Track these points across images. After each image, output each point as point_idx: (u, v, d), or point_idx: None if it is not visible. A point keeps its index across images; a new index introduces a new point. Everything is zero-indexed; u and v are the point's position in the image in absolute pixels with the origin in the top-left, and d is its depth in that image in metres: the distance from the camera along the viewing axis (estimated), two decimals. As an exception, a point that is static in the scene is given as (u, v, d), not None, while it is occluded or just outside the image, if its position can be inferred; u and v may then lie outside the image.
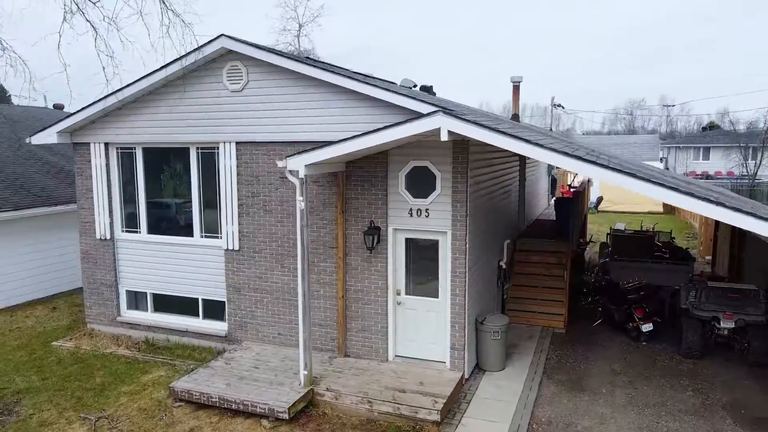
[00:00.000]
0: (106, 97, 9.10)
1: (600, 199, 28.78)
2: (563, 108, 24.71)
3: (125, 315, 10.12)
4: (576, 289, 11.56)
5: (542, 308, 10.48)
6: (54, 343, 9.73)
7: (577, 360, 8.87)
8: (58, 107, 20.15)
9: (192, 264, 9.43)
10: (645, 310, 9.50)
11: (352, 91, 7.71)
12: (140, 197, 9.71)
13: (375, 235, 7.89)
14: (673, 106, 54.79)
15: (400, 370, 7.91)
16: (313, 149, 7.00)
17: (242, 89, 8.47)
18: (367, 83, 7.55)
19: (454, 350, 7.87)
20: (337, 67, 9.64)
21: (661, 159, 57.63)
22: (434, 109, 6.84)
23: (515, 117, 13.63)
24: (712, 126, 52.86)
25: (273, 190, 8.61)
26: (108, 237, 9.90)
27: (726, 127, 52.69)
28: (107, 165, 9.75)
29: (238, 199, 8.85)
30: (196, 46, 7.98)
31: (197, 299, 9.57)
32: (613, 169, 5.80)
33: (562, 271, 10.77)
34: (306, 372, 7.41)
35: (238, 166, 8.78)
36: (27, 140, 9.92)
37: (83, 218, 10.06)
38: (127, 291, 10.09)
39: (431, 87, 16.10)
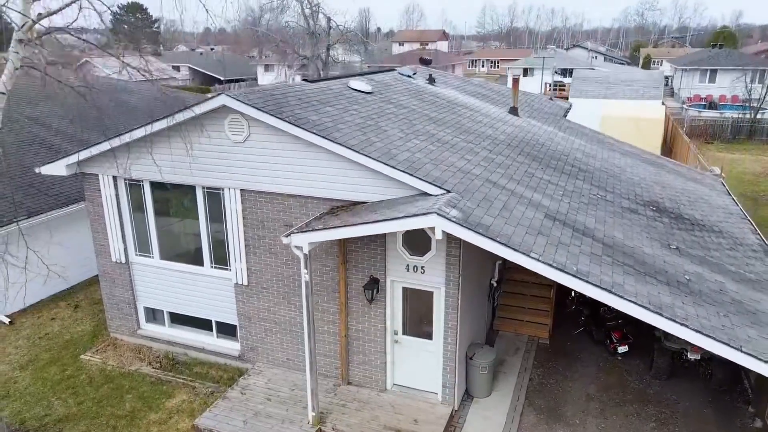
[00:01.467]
0: (111, 138, 9.34)
1: (599, 143, 28.86)
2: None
3: (144, 328, 10.98)
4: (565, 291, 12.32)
5: (529, 317, 11.31)
6: (83, 356, 10.67)
7: (557, 381, 9.83)
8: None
9: (203, 290, 10.13)
10: (622, 332, 10.34)
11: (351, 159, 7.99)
12: (150, 226, 10.20)
13: (374, 289, 8.52)
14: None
15: (397, 402, 8.87)
16: (316, 229, 7.44)
17: (244, 141, 8.70)
18: (367, 156, 7.79)
19: (446, 387, 8.78)
20: (334, 135, 9.73)
21: (666, 81, 56.44)
22: (433, 195, 7.19)
23: (514, 110, 13.68)
24: (721, 44, 51.28)
25: (278, 234, 9.10)
26: (123, 261, 10.52)
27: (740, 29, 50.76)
28: (116, 195, 10.15)
29: (245, 240, 9.37)
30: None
31: (210, 320, 10.39)
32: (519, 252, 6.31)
33: (549, 282, 11.46)
34: (314, 413, 8.37)
35: (243, 210, 9.21)
36: (37, 170, 10.22)
37: (98, 241, 10.61)
38: (145, 307, 10.89)
39: (430, 61, 15.97)
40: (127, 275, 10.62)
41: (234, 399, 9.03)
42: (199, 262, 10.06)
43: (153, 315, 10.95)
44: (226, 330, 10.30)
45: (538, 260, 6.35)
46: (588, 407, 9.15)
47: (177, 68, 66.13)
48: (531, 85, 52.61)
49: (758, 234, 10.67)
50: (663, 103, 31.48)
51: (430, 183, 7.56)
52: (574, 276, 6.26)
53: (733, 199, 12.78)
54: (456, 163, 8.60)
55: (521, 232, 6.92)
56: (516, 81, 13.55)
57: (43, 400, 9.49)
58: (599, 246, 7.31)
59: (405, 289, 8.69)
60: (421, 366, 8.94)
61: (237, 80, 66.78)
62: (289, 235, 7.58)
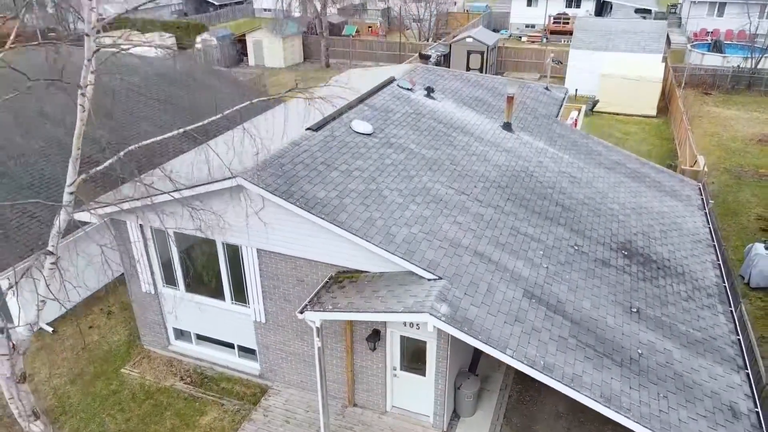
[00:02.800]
0: (136, 198, 10.31)
1: (596, 102, 29.22)
2: (561, 63, 23.98)
3: (174, 344, 12.53)
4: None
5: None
6: (123, 370, 12.29)
7: (532, 398, 11.49)
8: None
9: (225, 320, 11.55)
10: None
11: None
12: (176, 264, 11.42)
13: (375, 340, 9.91)
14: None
15: (396, 426, 10.57)
16: (327, 310, 8.70)
17: (260, 211, 9.72)
18: (370, 242, 8.87)
19: (437, 414, 10.43)
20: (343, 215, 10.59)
21: (674, 8, 54.65)
22: (427, 279, 8.39)
23: (508, 125, 14.40)
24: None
25: (292, 287, 10.35)
26: (153, 291, 11.85)
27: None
28: (144, 238, 11.28)
29: (262, 287, 10.64)
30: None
31: (233, 343, 11.90)
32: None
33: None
34: (326, 441, 10.08)
35: (260, 265, 10.40)
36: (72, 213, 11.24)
37: (129, 272, 11.88)
38: (174, 328, 12.37)
39: (429, 56, 16.40)
40: (156, 303, 12.00)
41: (258, 421, 10.72)
42: (220, 296, 11.39)
43: (181, 333, 12.46)
44: (247, 352, 11.84)
45: (512, 357, 7.68)
46: (556, 425, 10.86)
47: (168, -9, 63.69)
48: (535, 14, 51.29)
49: (720, 264, 11.90)
50: (664, 58, 31.39)
51: (424, 269, 8.72)
52: (540, 372, 7.62)
53: (705, 215, 13.82)
54: (448, 232, 9.68)
55: (501, 322, 8.19)
56: (510, 99, 14.14)
57: (96, 417, 11.20)
58: (567, 326, 8.60)
59: (403, 337, 10.09)
60: (415, 393, 10.53)
61: (235, 3, 64.71)
62: (303, 311, 8.86)
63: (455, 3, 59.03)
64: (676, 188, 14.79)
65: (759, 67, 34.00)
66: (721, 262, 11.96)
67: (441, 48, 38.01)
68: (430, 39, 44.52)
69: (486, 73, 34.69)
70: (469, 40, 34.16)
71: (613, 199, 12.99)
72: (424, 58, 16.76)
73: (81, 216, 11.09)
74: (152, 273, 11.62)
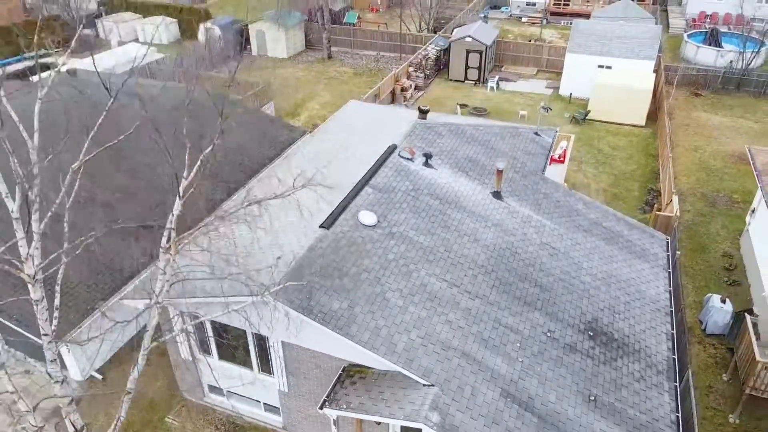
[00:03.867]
0: (178, 298, 12.23)
1: (587, 112, 30.49)
2: (550, 110, 25.01)
3: (209, 396, 14.76)
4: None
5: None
6: (167, 419, 14.56)
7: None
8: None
9: (252, 384, 13.70)
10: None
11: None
12: (210, 339, 13.47)
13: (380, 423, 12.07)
14: None
15: (397, 477, 12.89)
16: (342, 409, 10.80)
17: (285, 315, 11.66)
18: (376, 353, 10.85)
19: (430, 469, 12.72)
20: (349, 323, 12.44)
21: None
22: (422, 384, 10.45)
23: (497, 194, 16.10)
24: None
25: (311, 369, 12.43)
26: (190, 358, 13.95)
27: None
28: (183, 322, 13.26)
29: (285, 367, 12.71)
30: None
31: (260, 400, 14.11)
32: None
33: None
34: (340, 493, 12.42)
35: (283, 351, 12.44)
36: (122, 300, 13.19)
37: (170, 341, 13.93)
38: (208, 384, 14.55)
39: (428, 110, 18.05)
40: (194, 366, 14.13)
41: (284, 473, 13.06)
42: (249, 366, 13.50)
43: (214, 388, 14.66)
44: (272, 408, 14.07)
45: None
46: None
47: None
48: (536, -7, 51.12)
49: (672, 336, 13.92)
50: (656, 64, 32.36)
51: (419, 376, 10.76)
52: None
53: (668, 275, 15.71)
54: (441, 333, 11.66)
55: (481, 425, 10.31)
56: (499, 172, 15.80)
57: (151, 466, 13.55)
58: (534, 422, 10.73)
59: (403, 427, 12.25)
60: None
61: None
62: (322, 407, 10.98)
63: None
64: (645, 246, 16.63)
65: (751, 66, 34.90)
66: (674, 332, 13.99)
67: (441, 41, 38.75)
68: (431, 25, 44.87)
69: (485, 70, 35.70)
70: (468, 39, 34.95)
71: (587, 270, 14.89)
72: (423, 113, 18.28)
73: (129, 302, 13.09)
74: (189, 344, 13.68)
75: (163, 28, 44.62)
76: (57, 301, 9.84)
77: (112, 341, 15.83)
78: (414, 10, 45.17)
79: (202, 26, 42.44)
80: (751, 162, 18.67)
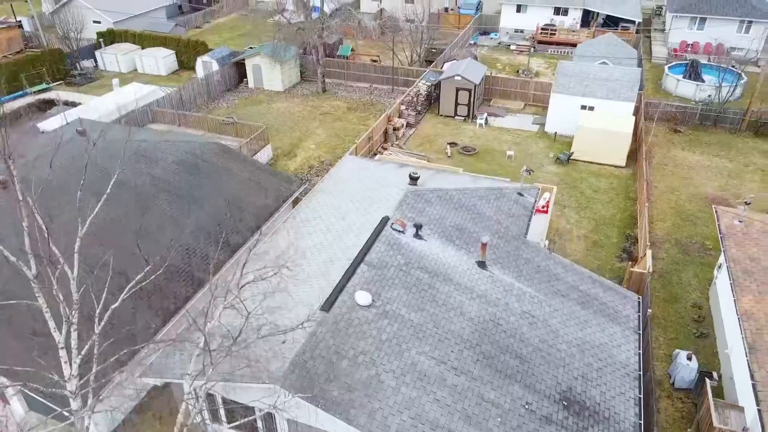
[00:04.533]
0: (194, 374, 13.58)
1: (570, 154, 32.01)
2: (532, 172, 26.44)
3: (219, 457, 16.13)
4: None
5: None
6: (180, 479, 15.88)
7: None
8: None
9: (261, 449, 15.08)
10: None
11: None
12: (221, 411, 14.83)
13: (376, 486, 13.47)
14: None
15: None
16: (341, 487, 12.20)
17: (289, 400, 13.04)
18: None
19: None
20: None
21: (660, 11, 56.01)
22: (411, 472, 11.85)
23: (482, 264, 17.55)
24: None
25: (313, 442, 13.83)
26: (203, 426, 15.30)
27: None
28: (197, 396, 14.61)
29: (290, 438, 14.10)
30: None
31: (266, 463, 15.48)
32: None
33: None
34: None
35: (288, 425, 13.82)
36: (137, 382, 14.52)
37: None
38: (219, 447, 15.92)
39: (418, 177, 19.43)
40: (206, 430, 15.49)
41: None
42: (256, 434, 14.89)
43: (224, 449, 16.03)
44: (277, 469, 15.44)
45: None
46: None
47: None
48: (523, 19, 52.75)
49: (640, 400, 15.39)
50: (637, 104, 33.90)
51: (411, 457, 12.17)
52: None
53: (638, 337, 17.18)
54: (429, 412, 13.08)
55: (464, 502, 11.74)
56: (483, 245, 17.24)
57: None
58: (512, 497, 12.17)
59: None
60: None
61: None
62: (325, 484, 12.37)
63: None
64: (618, 308, 18.11)
65: (730, 98, 36.52)
66: (641, 396, 15.47)
67: (432, 77, 40.22)
68: (422, 57, 46.29)
69: (474, 107, 37.17)
70: (457, 78, 36.42)
71: (563, 338, 16.35)
72: (413, 179, 19.73)
73: (148, 380, 14.44)
74: (202, 415, 15.03)
75: (161, 60, 45.81)
76: (90, 401, 11.19)
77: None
78: (405, 39, 46.54)
79: (199, 60, 43.69)
80: (716, 222, 20.19)
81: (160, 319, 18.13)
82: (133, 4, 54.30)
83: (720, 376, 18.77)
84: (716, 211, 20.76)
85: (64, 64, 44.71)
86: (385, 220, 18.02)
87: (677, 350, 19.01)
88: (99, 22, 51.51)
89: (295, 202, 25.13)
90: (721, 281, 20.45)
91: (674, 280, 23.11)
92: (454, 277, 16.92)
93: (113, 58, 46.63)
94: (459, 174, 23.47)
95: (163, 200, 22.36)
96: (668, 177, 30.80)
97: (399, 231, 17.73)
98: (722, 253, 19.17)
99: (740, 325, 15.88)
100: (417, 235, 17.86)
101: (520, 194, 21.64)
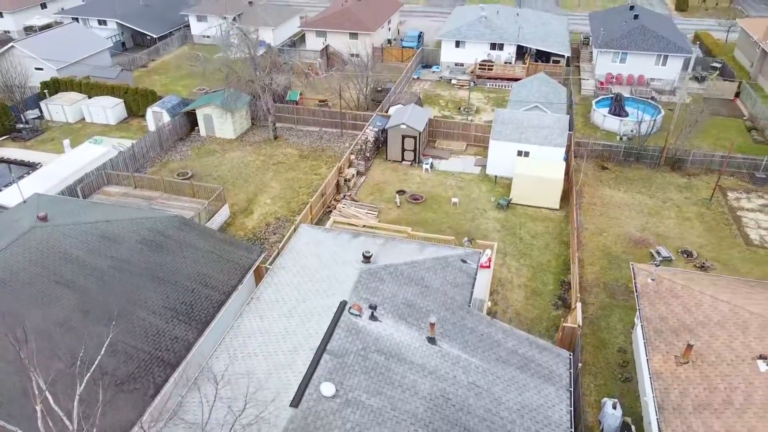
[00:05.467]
0: None
1: (510, 200, 34.74)
2: (473, 241, 28.89)
3: None
4: None
5: None
6: None
7: None
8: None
9: None
10: None
11: None
12: (204, 502, 16.41)
13: None
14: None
15: None
16: None
17: (268, 494, 14.77)
18: None
19: None
20: (317, 438, 15.66)
21: (588, 40, 59.85)
22: None
23: (432, 340, 19.70)
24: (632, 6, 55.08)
25: None
26: None
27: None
28: None
29: None
30: None
31: None
32: None
33: None
34: None
35: None
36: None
37: (168, 503, 16.75)
38: None
39: (371, 255, 21.34)
40: None
41: None
42: None
43: None
44: None
45: None
46: None
47: (103, 22, 63.77)
48: (463, 53, 55.55)
49: (572, 456, 17.87)
50: (565, 156, 36.90)
51: None
52: None
53: (570, 394, 19.72)
54: (391, 496, 15.09)
55: None
56: (432, 324, 19.42)
57: None
58: None
59: None
60: None
61: (169, 34, 65.40)
62: None
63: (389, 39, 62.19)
64: (552, 368, 20.61)
65: (649, 135, 40.18)
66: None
67: (378, 121, 42.32)
68: (369, 96, 48.31)
69: (419, 152, 39.47)
70: (403, 126, 38.66)
71: (505, 405, 18.68)
72: (366, 258, 21.76)
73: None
74: (186, 505, 16.58)
75: (109, 110, 46.13)
76: None
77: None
78: (351, 75, 48.27)
79: (149, 110, 44.33)
80: (633, 280, 23.05)
81: (137, 412, 19.41)
82: (76, 48, 54.04)
83: (641, 419, 21.61)
84: (633, 269, 23.65)
85: (9, 118, 44.37)
86: (343, 305, 19.92)
87: (605, 398, 21.73)
88: (41, 69, 51.15)
89: (257, 273, 26.69)
90: (638, 333, 23.31)
91: (602, 325, 25.98)
92: (408, 356, 19.00)
93: (59, 108, 46.57)
94: (407, 241, 25.55)
95: (128, 283, 23.43)
96: (597, 217, 33.94)
97: (356, 315, 19.67)
98: (638, 311, 22.00)
99: (651, 385, 18.60)
100: (372, 317, 19.86)
101: (464, 261, 23.96)
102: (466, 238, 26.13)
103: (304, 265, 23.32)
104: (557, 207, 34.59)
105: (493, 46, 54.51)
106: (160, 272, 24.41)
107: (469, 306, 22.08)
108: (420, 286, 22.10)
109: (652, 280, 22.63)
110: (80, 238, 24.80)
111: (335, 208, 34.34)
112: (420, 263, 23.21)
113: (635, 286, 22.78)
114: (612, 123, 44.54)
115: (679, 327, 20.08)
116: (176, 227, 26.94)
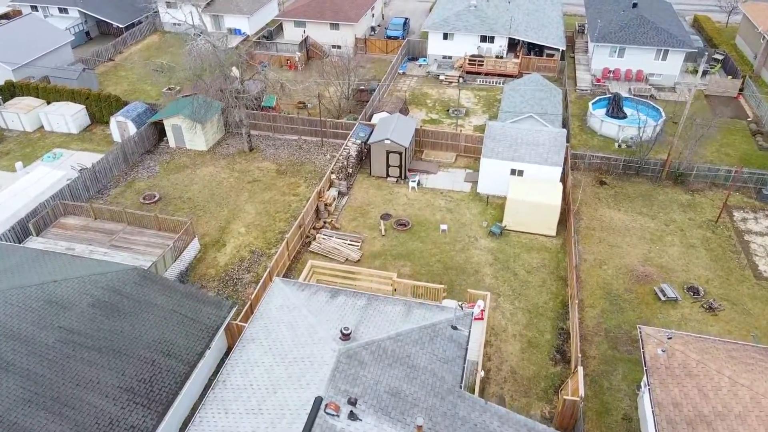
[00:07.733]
0: None
1: (504, 227, 32.26)
2: (464, 306, 26.24)
3: None
4: None
5: None
6: None
7: None
8: None
9: None
10: None
11: None
12: None
13: None
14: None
15: None
16: None
17: None
18: None
19: None
20: None
21: (583, 29, 56.55)
22: None
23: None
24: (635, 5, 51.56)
25: None
26: None
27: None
28: None
29: None
30: None
31: None
32: None
33: None
34: None
35: None
36: None
37: None
38: None
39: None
40: None
41: None
42: None
43: None
44: None
45: None
46: None
47: (64, 10, 59.20)
48: (451, 46, 52.24)
49: None
50: (562, 177, 34.28)
51: None
52: None
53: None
54: None
55: None
56: (419, 428, 17.13)
57: None
58: None
59: None
60: None
61: (137, 23, 61.09)
62: None
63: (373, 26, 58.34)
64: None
65: (652, 147, 37.59)
66: None
67: (361, 132, 39.29)
68: (351, 97, 45.05)
69: (405, 167, 36.68)
70: (387, 142, 35.76)
71: None
72: (345, 336, 19.36)
73: None
74: None
75: (70, 118, 42.56)
76: None
77: None
78: (332, 68, 44.77)
79: (113, 120, 40.92)
80: (641, 348, 20.89)
81: None
82: (33, 44, 49.78)
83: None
84: (641, 333, 21.46)
85: (-41, 129, 40.78)
86: (318, 402, 17.56)
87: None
88: (-6, 69, 47.13)
89: (228, 329, 24.23)
90: (645, 404, 21.16)
91: (605, 385, 23.93)
92: (391, 460, 16.79)
93: (15, 116, 42.90)
94: (392, 300, 23.01)
95: (78, 359, 20.84)
96: (596, 245, 31.62)
97: (333, 415, 17.34)
98: (647, 390, 19.87)
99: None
100: (352, 415, 17.52)
101: (455, 327, 21.60)
102: (456, 304, 23.67)
103: (276, 338, 20.84)
104: (554, 234, 32.18)
105: (483, 39, 51.09)
106: (116, 342, 21.83)
107: (461, 387, 19.81)
108: (406, 366, 19.74)
109: (663, 351, 20.46)
110: (23, 305, 22.05)
111: (314, 238, 31.69)
112: (406, 335, 20.81)
113: (643, 357, 20.62)
114: (610, 128, 41.87)
115: (696, 418, 18.00)
116: (135, 282, 24.25)
